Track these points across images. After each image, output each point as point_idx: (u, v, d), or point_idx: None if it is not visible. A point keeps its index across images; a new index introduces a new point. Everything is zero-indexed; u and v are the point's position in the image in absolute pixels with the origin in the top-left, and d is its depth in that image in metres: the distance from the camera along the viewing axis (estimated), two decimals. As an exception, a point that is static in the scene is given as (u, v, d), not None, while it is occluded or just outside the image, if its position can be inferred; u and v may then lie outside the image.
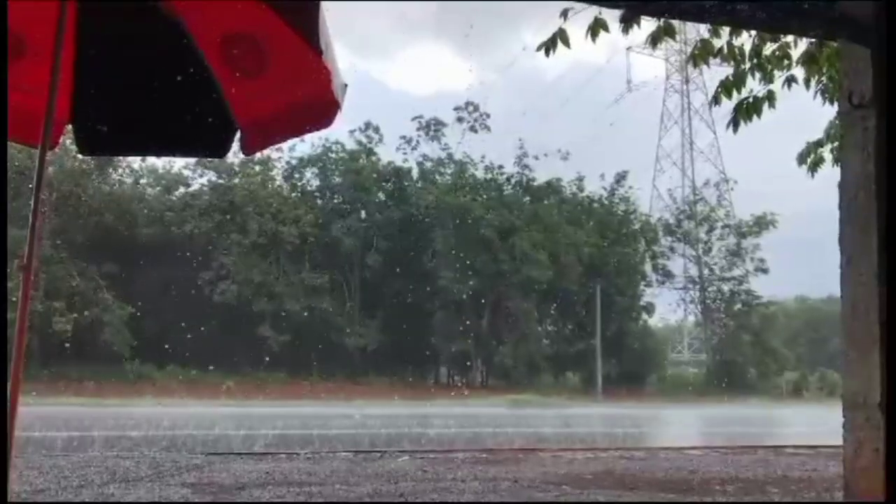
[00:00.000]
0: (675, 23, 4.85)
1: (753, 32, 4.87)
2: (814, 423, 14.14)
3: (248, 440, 9.30)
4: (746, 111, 5.11)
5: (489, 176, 33.94)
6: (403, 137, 33.98)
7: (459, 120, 33.91)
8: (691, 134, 45.36)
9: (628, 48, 40.64)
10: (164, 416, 13.53)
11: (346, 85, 3.19)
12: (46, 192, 23.13)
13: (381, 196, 33.48)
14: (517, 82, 65.65)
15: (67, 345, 24.68)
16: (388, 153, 33.85)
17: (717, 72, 5.35)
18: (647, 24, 4.55)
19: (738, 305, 38.20)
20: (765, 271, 37.38)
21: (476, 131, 34.10)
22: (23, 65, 2.99)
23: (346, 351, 30.39)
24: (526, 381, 30.74)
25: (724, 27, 4.76)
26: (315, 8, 2.67)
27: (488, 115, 33.96)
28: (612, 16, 4.21)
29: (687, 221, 38.94)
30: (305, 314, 29.25)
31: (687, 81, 44.64)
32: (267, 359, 27.51)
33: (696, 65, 5.11)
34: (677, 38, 5.72)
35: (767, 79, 5.10)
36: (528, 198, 33.92)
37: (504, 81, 70.81)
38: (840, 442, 2.85)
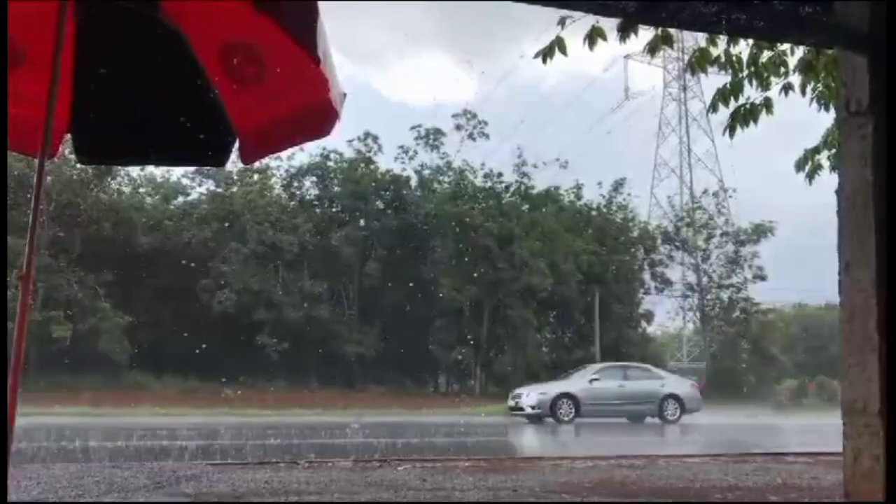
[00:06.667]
0: (673, 31, 4.88)
1: (751, 41, 4.89)
2: (813, 431, 14.14)
3: (247, 449, 9.27)
4: (743, 117, 5.14)
5: (488, 184, 33.97)
6: (402, 147, 34.06)
7: (457, 128, 34.01)
8: (689, 142, 45.49)
9: (626, 57, 40.83)
10: (162, 425, 13.50)
11: (344, 94, 3.20)
12: (45, 201, 23.15)
13: (380, 205, 33.50)
14: (515, 91, 65.85)
15: (65, 353, 24.62)
16: (386, 162, 33.94)
17: (715, 80, 5.38)
18: (645, 33, 4.57)
19: (737, 313, 38.19)
20: (763, 279, 37.42)
21: (474, 139, 34.21)
22: (22, 74, 2.99)
23: (345, 359, 30.35)
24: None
25: (721, 36, 4.78)
26: (314, 17, 2.68)
27: (486, 123, 34.07)
28: (609, 24, 4.23)
29: (685, 229, 38.96)
30: (304, 322, 29.21)
31: (685, 89, 44.81)
32: (266, 367, 27.46)
33: (693, 73, 5.13)
34: (675, 46, 5.75)
35: (764, 86, 5.12)
36: (526, 206, 33.94)
37: (502, 90, 71.03)
38: (840, 449, 2.84)
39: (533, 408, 17.65)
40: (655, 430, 16.74)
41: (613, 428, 16.31)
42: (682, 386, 19.29)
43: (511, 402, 18.65)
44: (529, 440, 13.19)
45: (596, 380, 18.52)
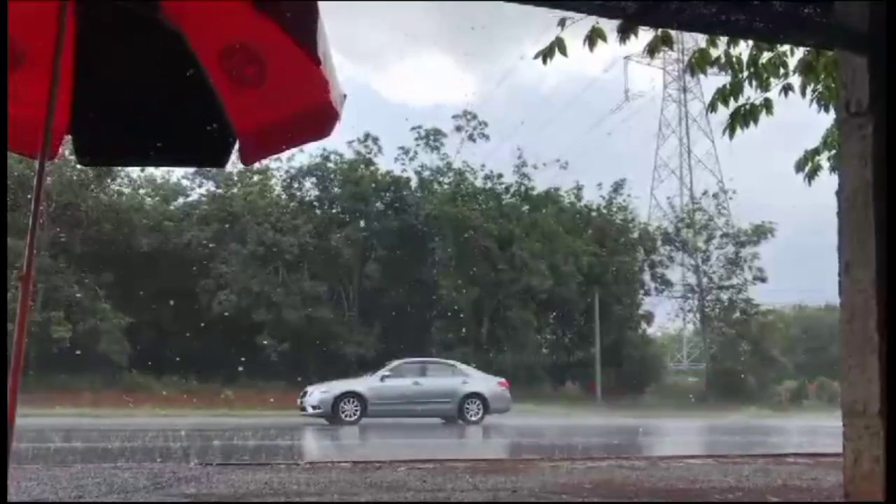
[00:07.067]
0: (673, 32, 4.88)
1: (751, 42, 4.90)
2: (813, 432, 14.14)
3: (247, 450, 9.27)
4: (743, 118, 5.14)
5: (488, 185, 33.94)
6: (402, 148, 34.03)
7: (458, 129, 33.94)
8: (689, 143, 45.56)
9: (626, 58, 40.86)
10: (162, 426, 13.49)
11: (345, 95, 3.20)
12: (45, 202, 23.14)
13: (380, 205, 33.47)
14: (515, 92, 65.82)
15: (65, 354, 24.61)
16: (386, 163, 33.90)
17: (715, 81, 5.39)
18: (645, 34, 4.58)
19: (737, 314, 38.17)
20: (763, 280, 37.40)
21: (474, 140, 34.15)
22: (22, 75, 2.99)
23: (345, 360, 30.29)
24: (525, 391, 30.64)
25: (721, 37, 4.78)
26: (314, 18, 2.68)
27: (486, 124, 34.02)
28: (609, 26, 4.23)
29: (685, 230, 38.95)
30: (304, 323, 29.19)
31: (684, 90, 44.85)
32: (266, 368, 27.44)
33: (693, 74, 5.13)
34: (675, 47, 5.76)
35: (764, 87, 5.13)
36: (526, 207, 33.91)
37: (502, 91, 71.02)
38: (840, 450, 2.84)
39: (315, 407, 16.20)
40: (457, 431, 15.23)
41: (404, 429, 14.73)
42: (488, 384, 17.80)
43: (298, 402, 17.11)
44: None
45: (388, 377, 17.04)
